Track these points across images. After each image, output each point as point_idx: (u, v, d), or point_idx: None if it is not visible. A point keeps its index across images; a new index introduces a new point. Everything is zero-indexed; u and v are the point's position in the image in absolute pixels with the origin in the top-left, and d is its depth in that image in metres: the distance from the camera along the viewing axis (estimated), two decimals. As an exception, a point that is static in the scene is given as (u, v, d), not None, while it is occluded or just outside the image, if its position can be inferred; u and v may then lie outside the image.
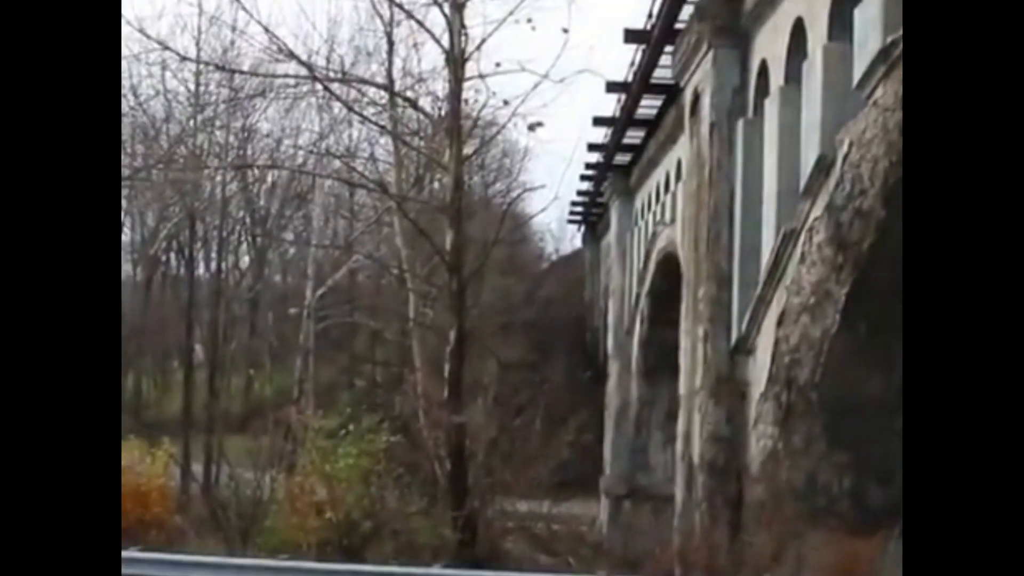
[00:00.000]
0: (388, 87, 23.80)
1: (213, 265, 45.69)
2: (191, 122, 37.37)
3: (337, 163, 32.29)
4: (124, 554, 18.90)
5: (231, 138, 39.90)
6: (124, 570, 18.63)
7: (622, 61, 36.04)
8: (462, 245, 21.54)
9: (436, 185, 26.38)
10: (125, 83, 35.46)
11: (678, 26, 26.01)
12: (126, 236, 50.06)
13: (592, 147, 43.23)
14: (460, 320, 21.41)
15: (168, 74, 35.00)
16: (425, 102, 23.86)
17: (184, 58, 23.97)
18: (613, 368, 42.72)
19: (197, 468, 35.82)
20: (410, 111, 24.84)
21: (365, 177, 26.52)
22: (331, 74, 22.66)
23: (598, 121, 38.87)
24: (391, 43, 25.94)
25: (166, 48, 22.75)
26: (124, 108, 37.44)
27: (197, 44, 35.06)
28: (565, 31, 22.67)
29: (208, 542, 21.85)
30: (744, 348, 23.46)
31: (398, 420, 25.25)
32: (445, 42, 21.75)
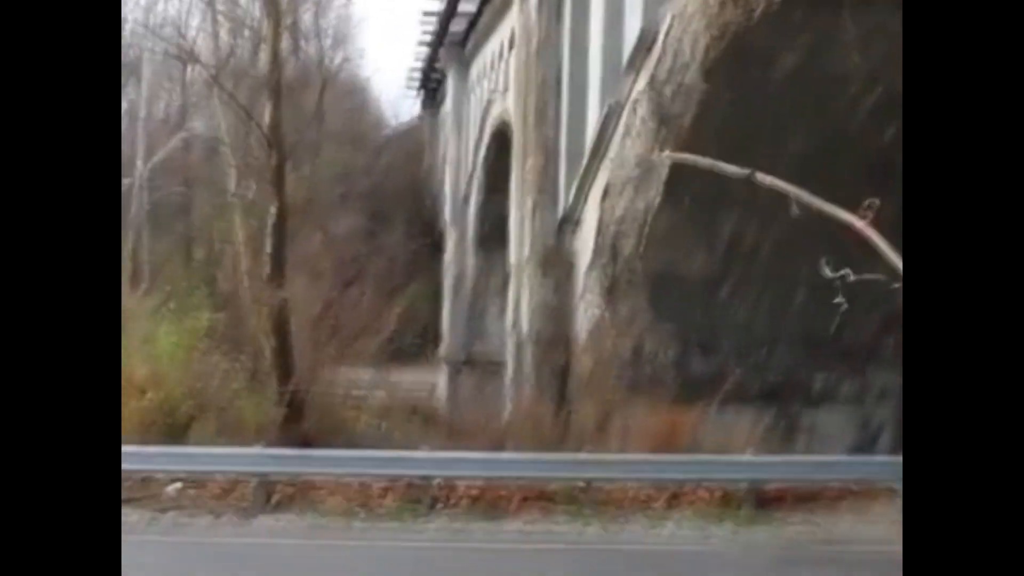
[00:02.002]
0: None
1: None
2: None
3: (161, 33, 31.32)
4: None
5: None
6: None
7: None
8: (280, 120, 21.07)
9: (260, 58, 25.74)
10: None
11: None
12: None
13: (427, 14, 42.72)
14: (281, 195, 21.05)
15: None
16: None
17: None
18: (450, 237, 42.75)
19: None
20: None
21: (183, 51, 25.64)
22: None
23: (433, -12, 38.31)
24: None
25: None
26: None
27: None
28: None
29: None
30: (571, 220, 23.64)
31: (221, 298, 24.96)
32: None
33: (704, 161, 8.52)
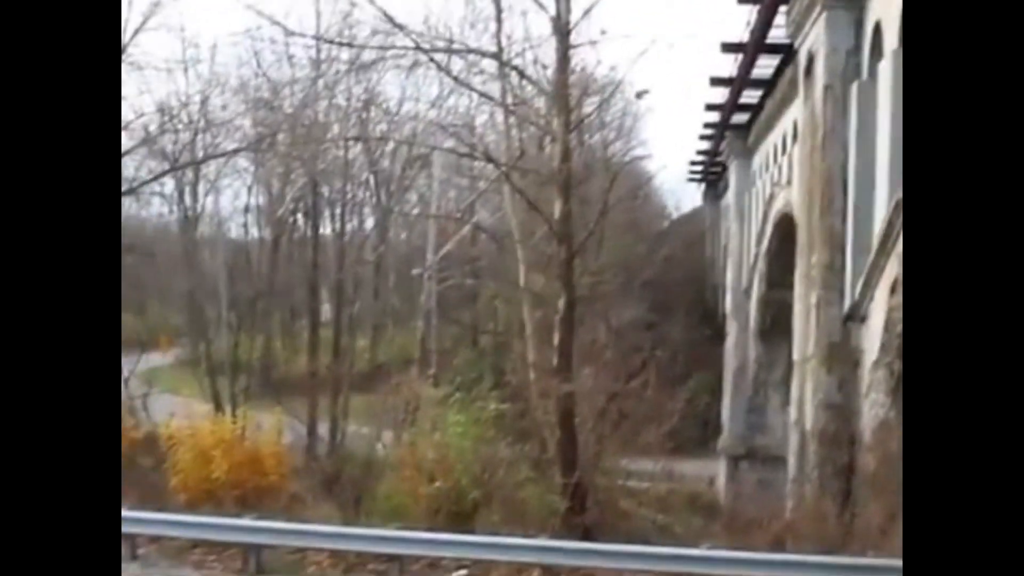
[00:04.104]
0: (497, 56, 23.88)
1: (338, 226, 46.47)
2: (313, 88, 37.93)
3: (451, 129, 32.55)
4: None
5: (352, 103, 40.47)
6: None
7: (729, 23, 35.91)
8: (570, 214, 21.60)
9: (548, 152, 26.50)
10: (247, 52, 36.14)
11: (791, -14, 25.70)
12: (254, 200, 51.10)
13: (710, 107, 43.04)
14: (569, 289, 21.49)
15: (289, 42, 35.57)
16: (534, 71, 23.83)
17: (291, 33, 24.25)
18: (731, 328, 42.53)
19: (321, 428, 36.65)
20: (521, 80, 24.92)
21: (474, 148, 26.60)
22: (440, 44, 22.75)
23: (715, 81, 38.57)
24: (500, 12, 26.01)
25: (275, 23, 23.10)
26: (248, 75, 38.32)
27: (317, 13, 35.67)
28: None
29: (323, 508, 22.42)
30: (857, 315, 23.20)
31: (508, 387, 25.53)
32: (552, 10, 21.77)
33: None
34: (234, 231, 53.66)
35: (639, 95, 27.19)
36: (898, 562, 18.33)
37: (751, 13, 31.17)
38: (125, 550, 19.72)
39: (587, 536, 19.43)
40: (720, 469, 40.34)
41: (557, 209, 21.53)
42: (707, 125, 46.94)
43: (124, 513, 20.00)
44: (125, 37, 33.07)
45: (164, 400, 34.39)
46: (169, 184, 44.74)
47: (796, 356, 26.07)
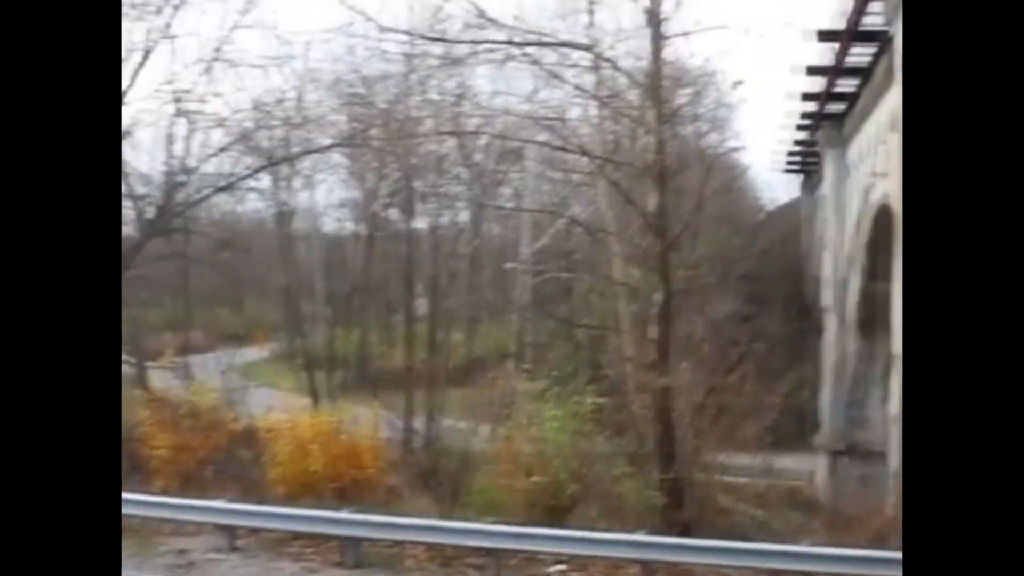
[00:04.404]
0: (589, 48, 23.73)
1: (432, 221, 46.64)
2: (405, 83, 38.08)
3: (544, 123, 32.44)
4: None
5: (445, 97, 40.54)
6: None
7: (821, 11, 35.49)
8: (666, 207, 21.45)
9: (641, 144, 26.28)
10: (340, 48, 36.39)
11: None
12: (348, 195, 51.42)
13: (806, 96, 42.58)
14: (666, 282, 21.33)
15: (382, 38, 35.72)
16: (627, 63, 23.63)
17: (384, 28, 24.33)
18: (830, 321, 42.00)
19: (417, 422, 36.82)
20: (614, 72, 24.74)
21: (567, 141, 26.49)
22: (532, 37, 22.67)
23: (812, 70, 38.14)
24: (591, 4, 25.87)
25: (368, 20, 23.19)
26: (341, 71, 38.56)
27: (409, 8, 35.66)
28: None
29: (420, 502, 22.50)
30: (959, 309, 22.81)
31: (605, 381, 25.43)
32: (645, 1, 21.61)
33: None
34: (329, 226, 54.11)
35: (735, 85, 26.91)
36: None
37: (844, 1, 30.82)
38: (224, 541, 19.98)
39: (685, 532, 19.27)
40: (819, 464, 39.88)
41: (652, 202, 21.38)
42: (803, 115, 46.50)
43: (224, 505, 20.30)
44: (221, 35, 33.50)
45: (261, 393, 34.72)
46: (265, 180, 45.16)
47: (895, 349, 25.65)
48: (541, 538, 18.51)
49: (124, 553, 19.78)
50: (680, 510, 20.26)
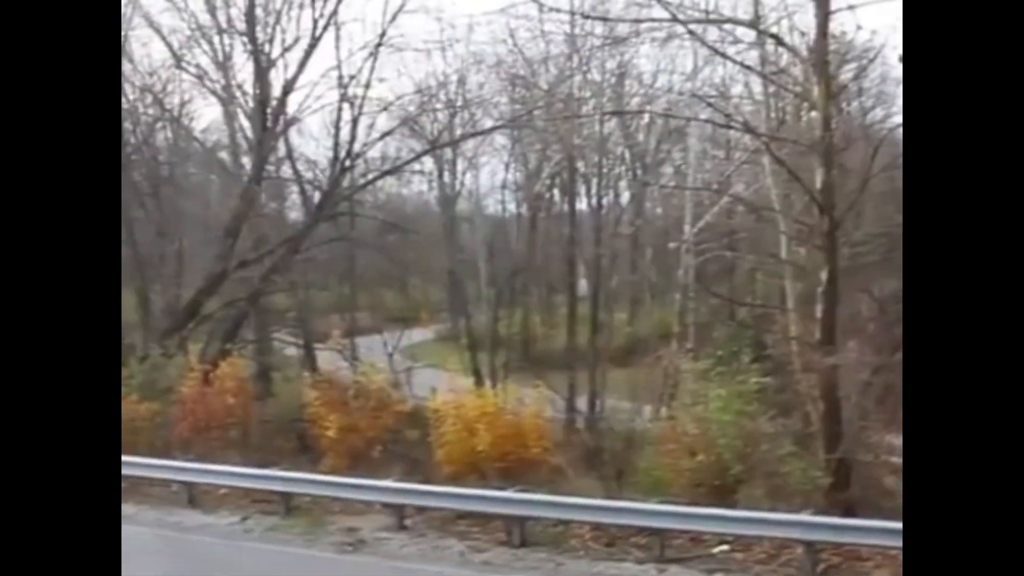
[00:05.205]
0: (754, 24, 23.42)
1: (594, 201, 46.55)
2: (568, 64, 38.14)
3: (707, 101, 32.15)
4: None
5: (607, 77, 40.48)
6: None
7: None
8: (832, 184, 21.08)
9: (806, 120, 25.84)
10: (502, 30, 36.61)
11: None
12: (511, 176, 51.68)
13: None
14: (832, 260, 20.98)
15: (544, 18, 35.86)
16: (791, 38, 23.25)
17: (546, 9, 24.41)
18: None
19: (580, 402, 36.88)
20: (778, 48, 24.39)
21: (731, 118, 26.20)
22: (695, 14, 22.46)
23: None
24: (758, -21, 25.51)
25: (531, 0, 23.32)
26: (504, 53, 38.76)
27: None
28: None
29: (584, 482, 22.60)
30: None
31: (769, 361, 25.11)
32: (812, -26, 21.23)
33: None
34: (492, 208, 54.41)
35: (901, 59, 26.33)
36: None
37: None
38: (392, 520, 20.37)
39: (850, 513, 19.00)
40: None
41: (819, 179, 21.04)
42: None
43: (391, 484, 20.70)
44: (385, 20, 33.98)
45: (426, 374, 35.23)
46: (428, 163, 45.67)
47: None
48: (705, 518, 18.49)
49: (295, 532, 20.46)
50: (845, 491, 19.95)
